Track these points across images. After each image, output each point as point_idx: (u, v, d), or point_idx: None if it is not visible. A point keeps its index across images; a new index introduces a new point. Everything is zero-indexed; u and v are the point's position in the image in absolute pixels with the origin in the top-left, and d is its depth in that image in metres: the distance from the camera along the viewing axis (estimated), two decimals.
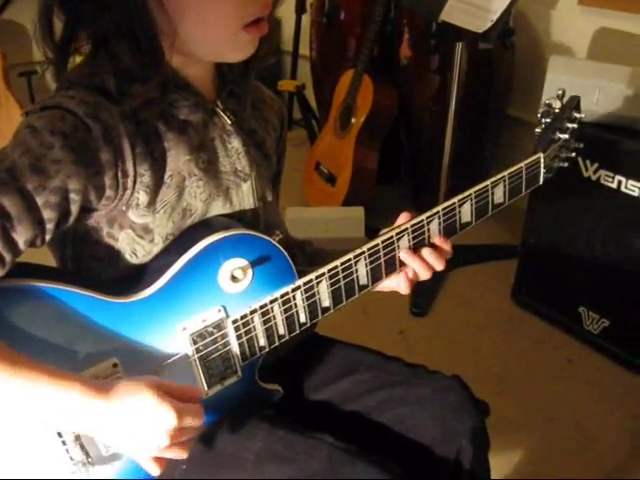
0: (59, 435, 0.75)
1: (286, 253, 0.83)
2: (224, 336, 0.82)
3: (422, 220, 0.89)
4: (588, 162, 1.78)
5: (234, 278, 0.80)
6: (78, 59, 0.79)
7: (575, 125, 1.03)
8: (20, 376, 0.65)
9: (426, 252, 0.90)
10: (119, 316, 0.76)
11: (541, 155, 0.98)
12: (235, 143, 0.87)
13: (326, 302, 0.87)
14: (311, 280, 0.85)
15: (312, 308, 0.87)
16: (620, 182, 1.73)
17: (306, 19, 3.10)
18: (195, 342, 0.81)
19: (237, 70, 0.88)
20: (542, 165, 0.99)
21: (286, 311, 0.85)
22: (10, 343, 0.67)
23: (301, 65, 3.34)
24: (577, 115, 1.04)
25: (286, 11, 3.33)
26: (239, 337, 0.83)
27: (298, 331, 0.87)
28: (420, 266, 0.90)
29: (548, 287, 2.05)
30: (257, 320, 0.83)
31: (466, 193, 0.91)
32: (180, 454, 0.72)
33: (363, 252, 0.86)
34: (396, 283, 0.92)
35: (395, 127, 2.66)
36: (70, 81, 0.76)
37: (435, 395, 0.94)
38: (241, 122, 0.89)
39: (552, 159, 1.02)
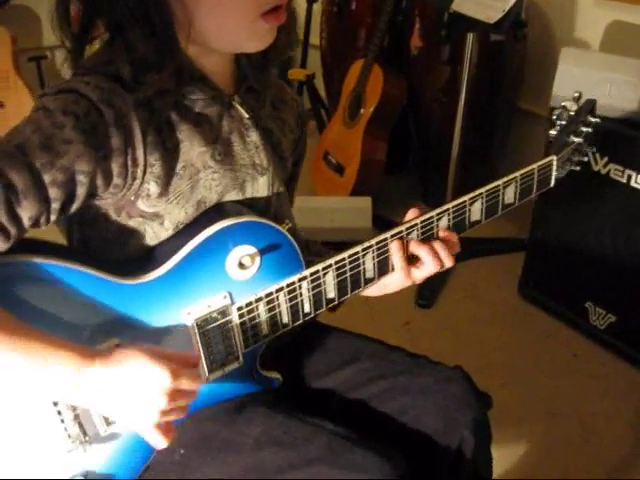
0: (58, 413, 0.76)
1: (295, 242, 0.83)
2: (228, 322, 0.83)
3: (432, 217, 0.89)
4: (598, 156, 1.77)
5: (242, 265, 0.80)
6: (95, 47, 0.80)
7: (590, 129, 1.02)
8: (17, 340, 0.66)
9: (435, 243, 0.89)
10: (125, 297, 0.76)
11: (554, 158, 0.97)
12: (254, 137, 0.87)
13: (331, 293, 0.88)
14: (318, 271, 0.85)
15: (317, 299, 0.87)
16: (630, 176, 1.72)
17: (317, 8, 3.09)
18: (199, 327, 0.81)
19: (256, 62, 0.87)
20: (554, 168, 0.98)
21: (291, 300, 0.85)
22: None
23: (311, 54, 3.32)
24: (592, 119, 1.03)
25: (297, 0, 3.32)
26: (243, 324, 0.84)
27: (302, 321, 0.88)
28: (427, 253, 0.88)
29: (555, 281, 2.04)
30: (262, 308, 0.84)
31: (477, 192, 0.91)
32: (180, 416, 0.73)
33: (371, 245, 0.87)
34: (399, 278, 0.91)
35: (403, 117, 2.65)
36: (86, 68, 0.77)
37: (437, 385, 0.94)
38: (257, 119, 0.88)
39: (564, 162, 1.02)
